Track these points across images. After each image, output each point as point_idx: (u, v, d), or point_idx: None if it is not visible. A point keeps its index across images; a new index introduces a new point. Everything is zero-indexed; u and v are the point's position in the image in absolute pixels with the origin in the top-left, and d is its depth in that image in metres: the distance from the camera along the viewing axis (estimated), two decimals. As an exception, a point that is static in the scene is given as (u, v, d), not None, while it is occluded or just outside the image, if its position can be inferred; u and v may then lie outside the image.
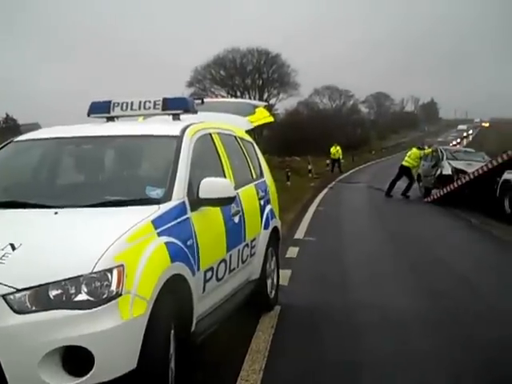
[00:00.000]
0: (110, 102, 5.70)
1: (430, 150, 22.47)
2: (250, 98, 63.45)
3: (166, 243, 3.86)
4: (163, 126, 5.43)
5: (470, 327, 5.98)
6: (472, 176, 16.68)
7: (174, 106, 5.60)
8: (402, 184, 21.67)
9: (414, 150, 22.24)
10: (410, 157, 21.79)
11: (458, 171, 19.03)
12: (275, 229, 6.59)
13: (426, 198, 20.50)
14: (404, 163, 21.79)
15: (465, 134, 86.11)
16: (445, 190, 18.43)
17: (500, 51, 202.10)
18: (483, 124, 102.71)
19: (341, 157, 38.79)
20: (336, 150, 38.03)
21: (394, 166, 31.92)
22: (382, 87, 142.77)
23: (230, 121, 6.57)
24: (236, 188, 5.20)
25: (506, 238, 12.10)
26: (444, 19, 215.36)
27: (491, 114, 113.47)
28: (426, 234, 12.88)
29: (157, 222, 3.93)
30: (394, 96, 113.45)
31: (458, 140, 74.39)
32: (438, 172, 20.28)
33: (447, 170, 19.73)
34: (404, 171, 21.83)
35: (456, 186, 17.69)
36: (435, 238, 12.29)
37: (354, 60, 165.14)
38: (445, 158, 20.84)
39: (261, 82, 68.02)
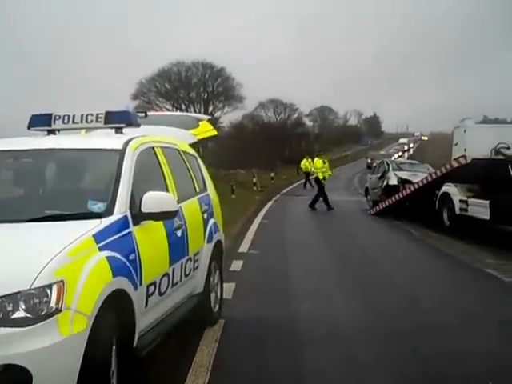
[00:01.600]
0: (50, 114, 5.61)
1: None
2: (195, 111, 63.24)
3: (108, 258, 3.83)
4: (105, 139, 5.38)
5: (412, 339, 6.08)
6: (417, 186, 17.03)
7: (116, 120, 5.54)
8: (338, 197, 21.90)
9: (316, 159, 22.66)
10: (315, 166, 22.14)
11: (403, 181, 19.43)
12: (219, 242, 6.60)
13: (370, 210, 20.84)
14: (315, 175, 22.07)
15: (406, 148, 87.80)
16: (389, 200, 18.78)
17: (439, 67, 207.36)
18: (423, 137, 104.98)
19: (314, 170, 36.11)
20: (308, 162, 34.86)
21: (337, 178, 32.54)
22: (326, 101, 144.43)
23: (174, 134, 6.54)
24: (179, 202, 5.20)
25: (446, 250, 12.38)
26: (386, 34, 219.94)
27: (431, 127, 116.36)
28: (368, 246, 13.09)
29: (98, 237, 3.89)
30: (338, 110, 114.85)
31: (400, 153, 75.79)
32: (385, 183, 20.67)
33: (393, 181, 20.11)
34: (316, 181, 22.26)
35: (401, 196, 18.03)
36: (377, 250, 12.50)
37: (299, 73, 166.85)
38: (391, 169, 21.28)
39: (206, 95, 67.88)
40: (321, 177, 21.75)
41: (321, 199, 21.63)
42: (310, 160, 34.85)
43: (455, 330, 6.43)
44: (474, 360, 5.41)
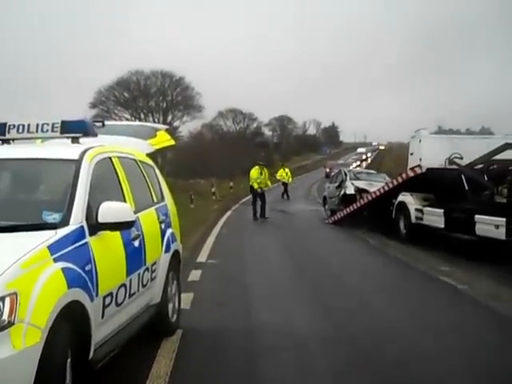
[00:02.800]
0: (5, 124, 5.52)
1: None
2: (154, 120, 62.96)
3: (63, 269, 3.79)
4: (61, 149, 5.32)
5: (368, 347, 6.14)
6: (374, 195, 17.24)
7: (72, 129, 5.48)
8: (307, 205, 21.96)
9: (253, 169, 22.33)
10: (251, 176, 21.91)
11: (360, 191, 19.67)
12: (176, 252, 6.59)
13: (328, 219, 21.02)
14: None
15: (364, 157, 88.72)
16: (347, 210, 18.97)
17: (396, 78, 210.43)
18: (380, 147, 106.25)
19: (290, 180, 34.85)
20: (285, 173, 34.38)
21: (296, 187, 32.75)
22: (285, 110, 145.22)
23: (131, 144, 6.52)
24: (136, 212, 5.19)
25: (403, 258, 12.56)
26: (344, 46, 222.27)
27: (388, 137, 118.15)
28: (326, 255, 13.22)
29: (53, 248, 3.85)
30: (297, 119, 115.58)
31: (358, 162, 76.55)
32: (342, 192, 20.89)
33: (350, 190, 20.36)
34: (250, 191, 22.15)
35: (358, 205, 18.23)
36: (335, 259, 12.63)
37: (258, 83, 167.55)
38: (348, 178, 21.54)
39: (165, 104, 67.62)
40: (256, 186, 21.62)
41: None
42: (286, 170, 34.80)
43: (409, 337, 6.53)
44: (428, 366, 5.51)
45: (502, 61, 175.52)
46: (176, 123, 67.15)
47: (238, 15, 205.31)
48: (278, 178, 34.15)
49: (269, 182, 21.77)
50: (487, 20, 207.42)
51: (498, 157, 13.08)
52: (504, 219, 11.29)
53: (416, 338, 6.52)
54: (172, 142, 8.23)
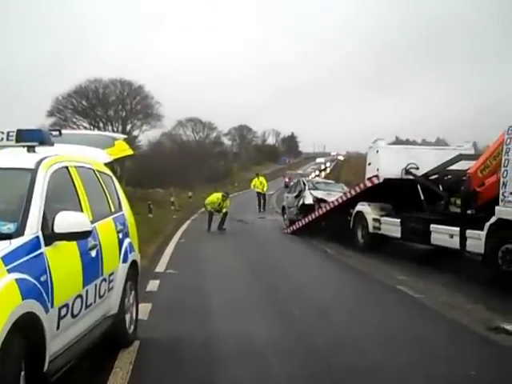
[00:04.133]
0: (-41, 133, 5.42)
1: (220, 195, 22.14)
2: (113, 129, 62.38)
3: (17, 280, 3.73)
4: (17, 158, 5.23)
5: (326, 357, 6.18)
6: (332, 205, 17.38)
7: (28, 138, 5.40)
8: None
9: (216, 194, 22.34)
10: (211, 199, 21.87)
11: (319, 200, 19.84)
12: (134, 262, 6.54)
13: (287, 229, 21.10)
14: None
15: (323, 167, 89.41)
16: (306, 219, 19.08)
17: (355, 88, 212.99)
18: (339, 157, 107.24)
19: (265, 189, 33.17)
20: (259, 182, 32.93)
21: (255, 197, 32.74)
22: (245, 120, 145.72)
23: (88, 153, 6.47)
24: (93, 222, 5.15)
25: (360, 268, 12.68)
26: (303, 57, 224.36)
27: (347, 147, 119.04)
28: (285, 265, 13.26)
29: (7, 258, 3.79)
30: (257, 129, 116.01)
31: (317, 172, 77.15)
32: (301, 202, 21.05)
33: (309, 200, 20.54)
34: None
35: (317, 215, 18.35)
36: (293, 269, 12.69)
37: (218, 93, 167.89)
38: (307, 188, 21.72)
39: (124, 113, 67.03)
40: (208, 209, 21.68)
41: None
42: (261, 179, 33.87)
43: (366, 346, 6.59)
44: (384, 375, 5.58)
45: (458, 74, 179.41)
46: (135, 132, 66.73)
47: (198, 25, 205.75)
48: (252, 187, 33.11)
49: (224, 210, 21.60)
50: (443, 35, 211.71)
51: (452, 167, 13.33)
52: (458, 229, 11.52)
53: (372, 347, 6.59)
54: (130, 152, 8.20)
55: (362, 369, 5.74)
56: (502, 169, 10.49)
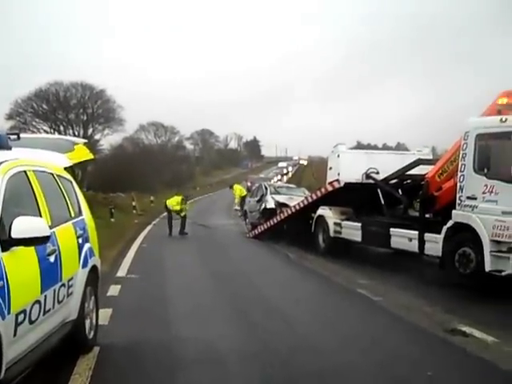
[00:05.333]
0: None
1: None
2: (74, 133, 61.70)
3: (-27, 286, 3.69)
4: (-27, 162, 5.17)
5: (285, 360, 6.21)
6: (294, 209, 17.48)
7: (-15, 142, 5.35)
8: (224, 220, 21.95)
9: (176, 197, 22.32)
10: (172, 202, 21.85)
11: (280, 205, 19.95)
12: (94, 267, 6.50)
13: (249, 233, 21.15)
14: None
15: (285, 171, 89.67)
16: (268, 223, 19.15)
17: (317, 92, 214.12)
18: (301, 161, 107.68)
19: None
20: (239, 189, 32.33)
21: (217, 201, 32.77)
22: (207, 124, 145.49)
23: (48, 158, 6.41)
24: (52, 227, 5.11)
25: (321, 272, 12.78)
26: (265, 60, 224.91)
27: (309, 152, 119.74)
28: (245, 269, 13.29)
29: (-37, 264, 3.74)
30: (219, 133, 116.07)
31: (279, 177, 77.36)
32: (263, 206, 21.14)
33: (271, 204, 20.66)
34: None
35: (279, 219, 18.43)
36: (254, 273, 12.72)
37: (180, 97, 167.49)
38: (268, 192, 21.83)
39: (85, 116, 66.33)
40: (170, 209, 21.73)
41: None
42: (239, 186, 33.42)
43: (326, 349, 6.66)
44: (344, 378, 5.65)
45: (419, 80, 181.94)
46: (97, 136, 66.14)
47: (159, 28, 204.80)
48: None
49: (183, 213, 21.55)
50: (404, 40, 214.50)
51: (411, 172, 13.52)
52: (416, 232, 11.72)
53: (331, 349, 6.66)
54: (91, 156, 8.13)
55: (320, 371, 5.81)
56: (459, 173, 10.71)
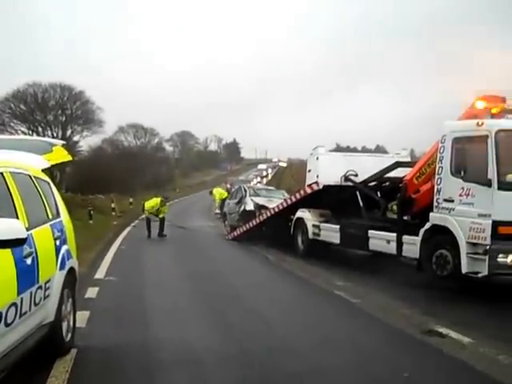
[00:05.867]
0: None
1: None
2: (52, 134, 61.26)
3: (-52, 288, 3.66)
4: (-51, 164, 5.14)
5: (264, 362, 6.24)
6: (273, 211, 17.51)
7: (-39, 144, 5.32)
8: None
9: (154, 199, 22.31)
10: (150, 204, 21.79)
11: (260, 207, 19.99)
12: (72, 269, 6.48)
13: (228, 235, 21.16)
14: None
15: (265, 173, 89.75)
16: (247, 226, 19.17)
17: (297, 94, 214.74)
18: (281, 164, 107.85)
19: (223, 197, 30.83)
20: (218, 193, 31.99)
21: (197, 203, 32.72)
22: (187, 126, 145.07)
23: (25, 159, 6.37)
24: (29, 229, 5.08)
25: (300, 274, 12.82)
26: (245, 62, 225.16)
27: (289, 154, 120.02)
28: (224, 271, 13.32)
29: None
30: (199, 135, 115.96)
31: (259, 179, 77.43)
32: (242, 208, 21.17)
33: (250, 206, 20.70)
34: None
35: (258, 221, 18.47)
36: (233, 275, 12.74)
37: (160, 99, 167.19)
38: (248, 195, 21.88)
39: (64, 118, 65.90)
40: (147, 214, 21.65)
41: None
42: (219, 189, 33.23)
43: (304, 351, 6.68)
44: (322, 379, 5.68)
45: (399, 83, 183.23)
46: (76, 138, 65.79)
47: (138, 29, 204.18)
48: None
49: (161, 215, 21.51)
50: (380, 42, 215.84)
51: (390, 174, 13.62)
52: (394, 234, 11.80)
53: (309, 350, 6.68)
54: (69, 158, 8.09)
55: (297, 372, 5.83)
56: (436, 176, 10.82)
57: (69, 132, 65.44)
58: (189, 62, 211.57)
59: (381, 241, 12.45)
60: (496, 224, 9.54)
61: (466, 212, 10.00)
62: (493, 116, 10.56)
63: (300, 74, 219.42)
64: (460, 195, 10.20)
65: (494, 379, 5.77)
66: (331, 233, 14.56)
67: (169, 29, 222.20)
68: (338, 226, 14.27)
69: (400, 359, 6.46)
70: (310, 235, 15.35)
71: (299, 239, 16.04)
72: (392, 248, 11.93)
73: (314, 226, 15.30)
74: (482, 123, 10.04)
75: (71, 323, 6.46)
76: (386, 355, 6.62)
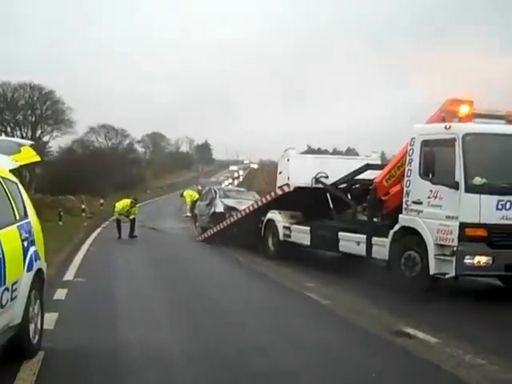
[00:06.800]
0: None
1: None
2: (21, 134, 60.76)
3: None
4: None
5: (231, 360, 6.26)
6: (243, 213, 17.53)
7: None
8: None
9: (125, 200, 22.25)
10: (121, 205, 21.68)
11: (229, 208, 20.01)
12: (40, 271, 6.42)
13: (199, 236, 21.13)
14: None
15: (236, 175, 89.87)
16: (218, 227, 19.15)
17: (267, 95, 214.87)
18: (252, 165, 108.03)
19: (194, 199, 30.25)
20: (189, 195, 31.46)
21: (168, 205, 32.62)
22: (158, 127, 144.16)
23: (-8, 160, 6.32)
24: (-5, 230, 5.02)
25: (271, 275, 12.86)
26: (216, 62, 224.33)
27: (260, 155, 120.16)
28: (194, 272, 13.32)
29: None
30: (170, 136, 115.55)
31: (230, 180, 77.46)
32: (212, 210, 21.17)
33: (220, 208, 20.73)
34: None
35: (228, 222, 18.46)
36: (203, 276, 12.76)
37: (132, 100, 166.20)
38: (218, 196, 21.89)
39: (34, 118, 65.34)
40: (116, 216, 21.64)
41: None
42: (190, 192, 32.78)
43: (273, 352, 6.72)
44: (287, 378, 5.75)
45: (369, 85, 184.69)
46: (46, 138, 65.27)
47: (109, 29, 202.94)
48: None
49: (132, 216, 21.43)
50: (352, 45, 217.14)
51: (360, 176, 13.70)
52: (364, 236, 11.89)
53: (277, 351, 6.73)
54: (37, 158, 8.00)
55: (265, 374, 5.87)
56: (405, 178, 10.93)
57: (38, 132, 64.95)
58: (161, 63, 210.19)
59: (351, 242, 12.53)
60: (463, 226, 9.67)
61: (434, 214, 10.13)
62: (460, 119, 10.70)
63: (272, 75, 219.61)
64: (428, 197, 10.32)
65: (459, 379, 5.85)
66: (302, 234, 14.61)
67: (140, 29, 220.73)
68: (308, 228, 14.33)
69: (368, 360, 6.52)
70: (281, 237, 15.38)
71: (270, 241, 16.06)
72: (362, 250, 12.02)
73: (284, 227, 15.34)
74: (450, 126, 10.19)
75: (39, 325, 6.40)
76: (354, 356, 6.68)
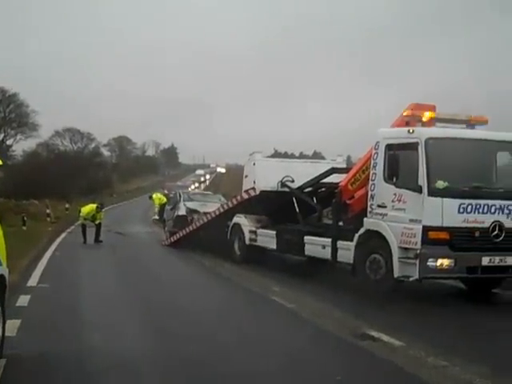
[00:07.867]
0: None
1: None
2: (-16, 137, 59.87)
3: None
4: None
5: (196, 364, 6.25)
6: (209, 217, 17.49)
7: None
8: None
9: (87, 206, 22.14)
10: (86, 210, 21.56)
11: (192, 211, 19.99)
12: (1, 277, 6.32)
13: (165, 241, 21.03)
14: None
15: (202, 179, 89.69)
16: (183, 231, 19.09)
17: (234, 100, 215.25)
18: (219, 169, 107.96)
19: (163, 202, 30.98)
20: (158, 198, 32.01)
21: (135, 209, 32.43)
22: (124, 131, 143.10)
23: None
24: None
25: (236, 279, 12.87)
26: (183, 65, 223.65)
27: (226, 159, 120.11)
28: (159, 277, 13.31)
29: None
30: (136, 140, 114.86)
31: (197, 184, 77.28)
32: (175, 214, 21.13)
33: (182, 211, 20.72)
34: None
35: (194, 226, 18.40)
36: (168, 281, 12.77)
37: (97, 103, 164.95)
38: (181, 200, 21.86)
39: (-4, 121, 64.53)
40: (81, 221, 21.50)
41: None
42: (159, 195, 33.14)
43: (237, 354, 6.75)
44: (252, 381, 5.75)
45: (335, 88, 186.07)
46: (9, 141, 64.37)
47: (73, 30, 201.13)
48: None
49: (97, 221, 21.27)
50: (320, 49, 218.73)
51: (326, 180, 13.78)
52: (329, 240, 11.96)
53: (243, 355, 6.74)
54: (-1, 162, 7.91)
55: (228, 374, 5.90)
56: (370, 182, 11.02)
57: (1, 136, 64.00)
58: (127, 65, 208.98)
59: (316, 246, 12.59)
60: (426, 229, 9.79)
61: (398, 217, 10.23)
62: (423, 124, 10.84)
63: (238, 79, 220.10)
64: (392, 201, 10.43)
65: (422, 381, 5.94)
66: (268, 238, 14.63)
67: (104, 31, 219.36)
68: (274, 232, 14.36)
69: (333, 363, 6.58)
70: (247, 241, 15.39)
71: (236, 245, 16.05)
72: (327, 253, 12.08)
73: (250, 231, 15.34)
74: (413, 131, 10.31)
75: (0, 332, 6.31)
76: (318, 359, 6.73)
